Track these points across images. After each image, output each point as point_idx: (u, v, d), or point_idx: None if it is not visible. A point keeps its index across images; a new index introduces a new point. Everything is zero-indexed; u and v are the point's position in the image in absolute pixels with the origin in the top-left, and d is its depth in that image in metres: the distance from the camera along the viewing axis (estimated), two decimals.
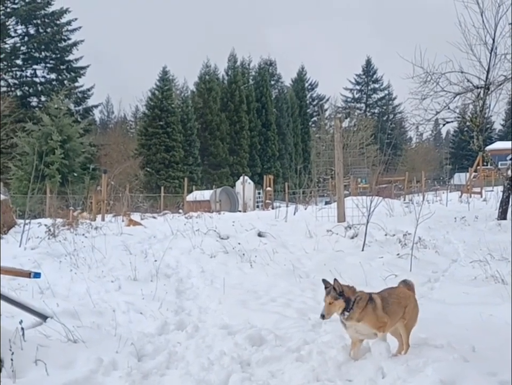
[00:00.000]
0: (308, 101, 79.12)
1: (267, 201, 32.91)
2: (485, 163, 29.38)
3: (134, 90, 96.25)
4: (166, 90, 52.77)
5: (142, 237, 11.72)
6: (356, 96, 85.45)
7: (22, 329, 4.63)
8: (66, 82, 47.69)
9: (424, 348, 4.62)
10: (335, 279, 4.45)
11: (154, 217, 18.17)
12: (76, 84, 48.80)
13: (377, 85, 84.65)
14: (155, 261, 8.66)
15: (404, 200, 22.74)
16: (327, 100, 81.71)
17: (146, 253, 9.70)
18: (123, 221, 15.10)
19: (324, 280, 4.52)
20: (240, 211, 27.77)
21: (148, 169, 47.67)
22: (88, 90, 49.22)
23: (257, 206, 32.50)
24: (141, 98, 64.78)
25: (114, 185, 23.62)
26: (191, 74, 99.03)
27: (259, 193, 34.94)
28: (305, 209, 19.07)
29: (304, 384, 4.26)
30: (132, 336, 5.33)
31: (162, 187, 31.94)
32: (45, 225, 12.05)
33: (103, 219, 17.17)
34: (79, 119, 42.73)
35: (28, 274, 5.37)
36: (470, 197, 24.26)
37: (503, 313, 5.55)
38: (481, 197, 25.37)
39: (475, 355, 4.44)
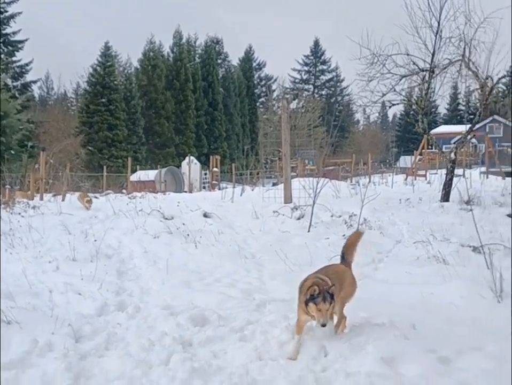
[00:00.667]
0: (255, 82, 79.09)
1: (213, 182, 32.71)
2: (430, 147, 30.27)
3: (75, 66, 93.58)
4: (108, 66, 51.40)
5: (83, 217, 11.37)
6: (304, 77, 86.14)
7: None
8: (2, 56, 45.41)
9: (366, 327, 4.66)
10: (321, 280, 4.30)
11: (96, 197, 17.66)
12: (14, 59, 46.64)
13: (325, 67, 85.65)
14: (95, 241, 8.41)
15: (351, 182, 23.09)
16: (275, 80, 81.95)
17: (86, 233, 9.41)
18: (63, 200, 14.58)
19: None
20: (185, 192, 27.47)
21: (90, 148, 46.44)
22: (27, 64, 47.25)
23: (204, 187, 32.26)
24: (82, 74, 63.05)
25: (53, 164, 22.85)
26: (135, 51, 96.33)
27: (205, 174, 34.66)
28: (252, 190, 19.04)
29: (247, 363, 4.22)
30: (69, 317, 5.17)
31: (105, 167, 31.10)
32: None
33: (41, 198, 16.60)
34: (16, 95, 41.03)
35: None
36: (415, 179, 24.92)
37: (443, 292, 5.68)
38: (426, 179, 26.12)
39: (415, 333, 4.52)
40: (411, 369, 3.88)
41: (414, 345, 4.23)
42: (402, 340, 4.35)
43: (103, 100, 49.48)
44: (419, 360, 3.99)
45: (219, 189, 25.68)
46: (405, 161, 45.75)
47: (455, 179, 14.33)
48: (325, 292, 4.15)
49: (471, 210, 9.82)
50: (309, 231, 9.97)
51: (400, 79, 14.03)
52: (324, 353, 4.30)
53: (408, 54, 13.68)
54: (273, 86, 77.57)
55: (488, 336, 4.40)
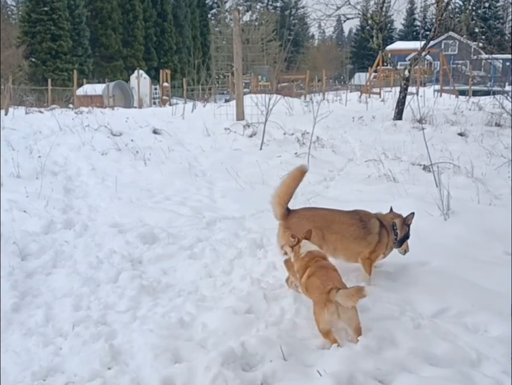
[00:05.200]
0: None
1: (164, 97, 31.74)
2: (385, 64, 30.13)
3: None
4: None
5: (27, 133, 10.89)
6: None
7: None
8: None
9: None
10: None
11: (40, 112, 16.91)
12: None
13: None
14: (39, 157, 8.10)
15: (305, 99, 22.89)
16: None
17: (31, 149, 9.07)
18: (6, 114, 13.85)
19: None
20: (135, 107, 26.67)
21: (33, 60, 43.90)
22: None
23: (154, 103, 31.31)
24: None
25: None
26: None
27: (155, 89, 33.52)
28: (204, 106, 18.66)
29: (197, 280, 4.25)
30: (15, 234, 5.04)
31: (50, 80, 29.58)
32: None
33: None
34: None
35: None
36: (369, 97, 24.94)
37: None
38: (380, 97, 26.21)
39: None
40: (357, 281, 4.01)
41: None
42: None
43: (45, 8, 46.25)
44: (363, 275, 4.11)
45: (170, 105, 25.03)
46: (360, 78, 45.50)
47: (408, 97, 14.43)
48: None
49: (423, 129, 9.99)
50: (261, 149, 9.92)
51: None
52: (272, 270, 4.38)
53: None
54: None
55: (433, 252, 4.56)
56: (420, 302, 3.68)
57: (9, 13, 63.51)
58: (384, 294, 3.78)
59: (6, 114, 14.68)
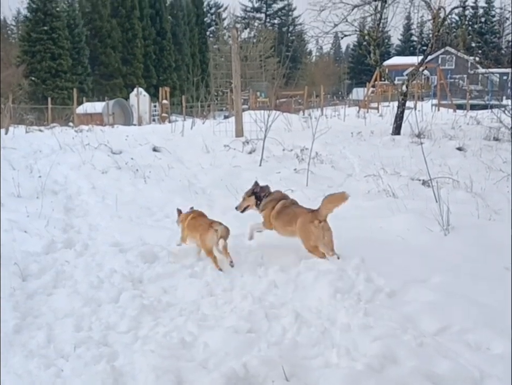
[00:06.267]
0: (205, 9, 75.93)
1: (163, 114, 31.92)
2: (383, 79, 30.33)
3: None
4: None
5: (27, 152, 10.91)
6: (256, 5, 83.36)
7: None
8: None
9: (316, 261, 4.74)
10: (255, 182, 5.57)
11: (40, 130, 16.99)
12: None
13: None
14: (40, 177, 8.11)
15: (303, 114, 23.00)
16: (226, 8, 78.96)
17: (31, 169, 9.07)
18: (6, 134, 13.89)
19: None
20: (134, 125, 26.83)
21: (33, 78, 44.13)
22: None
23: (153, 120, 31.48)
24: (22, 0, 58.60)
25: None
26: None
27: (155, 106, 33.72)
28: (203, 123, 18.74)
29: (198, 299, 4.24)
30: (15, 255, 5.04)
31: (49, 98, 29.85)
32: None
33: None
34: None
35: None
36: (367, 112, 25.09)
37: (392, 225, 5.82)
38: (378, 112, 26.35)
39: (364, 266, 4.61)
40: (359, 300, 4.01)
41: (363, 278, 4.35)
42: (351, 274, 4.46)
43: (45, 28, 46.66)
44: (365, 293, 4.11)
45: (169, 122, 25.17)
46: (358, 93, 45.66)
47: (406, 112, 14.51)
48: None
49: (422, 143, 10.02)
50: (260, 165, 9.94)
51: (352, 9, 13.87)
52: (273, 288, 4.38)
53: None
54: (224, 15, 74.98)
55: (433, 269, 4.55)
56: (422, 319, 3.67)
57: (9, 32, 64.06)
58: (384, 311, 3.78)
59: (6, 133, 14.74)
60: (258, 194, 5.50)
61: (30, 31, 47.36)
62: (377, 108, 28.59)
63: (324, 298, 4.04)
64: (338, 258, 4.74)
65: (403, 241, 5.37)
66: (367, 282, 4.28)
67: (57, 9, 48.45)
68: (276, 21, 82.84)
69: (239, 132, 12.81)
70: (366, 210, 6.65)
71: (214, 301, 4.17)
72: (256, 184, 5.59)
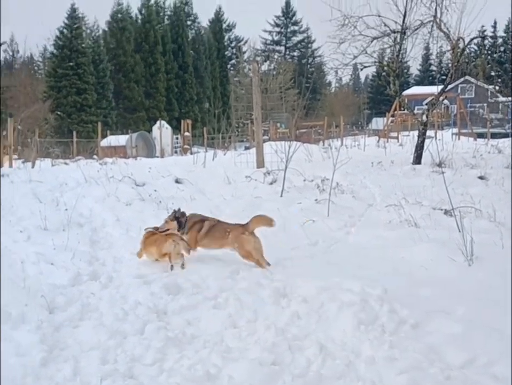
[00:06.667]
0: (226, 43, 77.56)
1: (185, 146, 32.35)
2: (402, 108, 30.41)
3: (41, 28, 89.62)
4: (75, 29, 49.89)
5: (53, 185, 11.09)
6: (276, 38, 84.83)
7: None
8: None
9: (338, 292, 4.73)
10: (178, 209, 6.39)
11: (66, 164, 17.36)
12: None
13: (296, 28, 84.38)
14: (66, 210, 8.26)
15: (323, 145, 23.11)
16: (246, 42, 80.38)
17: (57, 202, 9.20)
18: (32, 167, 14.25)
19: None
20: (157, 157, 27.22)
21: (58, 113, 45.27)
22: None
23: (175, 152, 31.92)
24: (49, 37, 60.45)
25: (21, 130, 22.27)
26: (102, 12, 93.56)
27: (177, 138, 34.25)
28: (224, 154, 18.92)
29: (222, 331, 4.25)
30: (42, 287, 5.10)
31: (75, 132, 30.48)
32: None
33: (10, 165, 16.20)
34: None
35: None
36: (387, 141, 25.11)
37: (414, 256, 5.79)
38: (398, 141, 26.34)
39: (387, 297, 4.58)
40: (383, 332, 3.98)
41: (386, 309, 4.33)
42: (374, 305, 4.43)
43: (71, 63, 48.11)
44: (389, 324, 4.09)
45: (191, 154, 25.48)
46: (377, 123, 45.84)
47: (426, 141, 14.49)
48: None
49: (443, 172, 9.97)
50: (281, 196, 9.98)
51: (371, 41, 14.01)
52: (296, 319, 4.37)
53: (379, 16, 13.66)
54: (244, 48, 76.28)
55: (458, 299, 4.51)
56: (447, 351, 3.63)
57: (35, 68, 65.99)
58: (409, 343, 3.75)
59: (33, 167, 15.08)
60: (180, 219, 6.27)
61: (56, 67, 48.82)
62: (397, 138, 28.59)
63: (348, 330, 4.02)
64: (269, 265, 5.87)
65: (426, 271, 5.32)
66: (391, 313, 4.25)
67: (83, 45, 50.00)
68: (295, 53, 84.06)
69: (260, 163, 12.90)
70: (387, 240, 6.62)
71: (238, 333, 4.18)
72: (176, 211, 6.42)
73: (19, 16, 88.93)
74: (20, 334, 4.12)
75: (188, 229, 6.27)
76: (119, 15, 56.65)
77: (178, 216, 6.31)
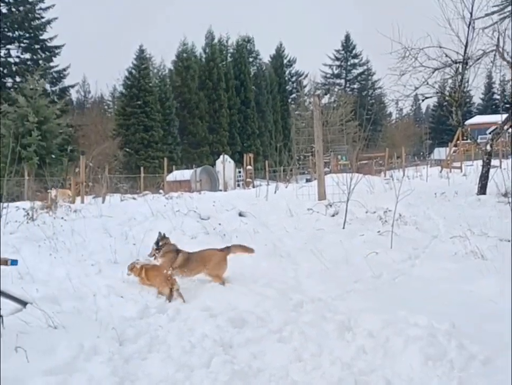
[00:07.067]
0: (286, 78, 78.62)
1: (248, 179, 32.82)
2: (465, 138, 29.64)
3: (111, 69, 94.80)
4: (143, 69, 52.01)
5: (122, 219, 11.53)
6: (336, 72, 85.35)
7: (1, 316, 4.54)
8: (40, 61, 46.13)
9: (404, 326, 4.66)
10: (162, 235, 7.02)
11: (134, 198, 17.96)
12: (51, 64, 47.19)
13: (356, 60, 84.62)
14: (134, 244, 8.57)
15: (385, 176, 22.84)
16: (306, 76, 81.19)
17: (126, 235, 9.53)
18: (103, 202, 14.79)
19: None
20: (220, 190, 27.66)
21: (127, 150, 47.06)
22: (64, 69, 47.83)
23: (238, 185, 32.40)
24: (118, 77, 63.69)
25: (92, 167, 23.30)
26: (168, 52, 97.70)
27: (239, 172, 34.82)
28: (286, 187, 19.02)
29: (287, 364, 4.27)
30: (113, 320, 5.27)
31: (142, 168, 31.50)
32: (23, 209, 11.78)
33: (82, 201, 16.94)
34: (55, 100, 41.48)
35: (5, 262, 5.20)
36: (450, 171, 24.49)
37: (482, 289, 5.62)
38: (461, 171, 25.62)
39: (456, 332, 4.47)
40: (452, 368, 3.89)
41: (454, 345, 4.22)
42: (442, 340, 4.33)
43: (139, 102, 50.11)
44: (458, 360, 3.98)
45: (253, 187, 25.78)
46: (440, 153, 44.82)
47: (491, 171, 14.06)
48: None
49: (509, 203, 9.64)
50: (343, 228, 9.94)
51: (433, 72, 13.88)
52: (362, 354, 4.33)
53: (440, 47, 13.54)
54: (304, 82, 77.14)
55: None
56: None
57: (105, 107, 69.24)
58: (479, 380, 3.63)
59: (103, 202, 15.72)
60: (159, 242, 6.93)
61: (125, 105, 50.94)
62: (460, 168, 27.81)
63: (415, 365, 3.94)
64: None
65: (495, 305, 5.15)
66: (460, 348, 4.14)
67: (150, 84, 51.99)
68: (355, 86, 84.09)
69: (322, 196, 12.90)
70: (453, 272, 6.47)
71: (303, 367, 4.18)
72: (160, 233, 7.08)
73: (90, 58, 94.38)
74: (93, 366, 4.26)
75: (163, 253, 6.84)
76: (184, 55, 58.78)
77: (158, 239, 6.96)
